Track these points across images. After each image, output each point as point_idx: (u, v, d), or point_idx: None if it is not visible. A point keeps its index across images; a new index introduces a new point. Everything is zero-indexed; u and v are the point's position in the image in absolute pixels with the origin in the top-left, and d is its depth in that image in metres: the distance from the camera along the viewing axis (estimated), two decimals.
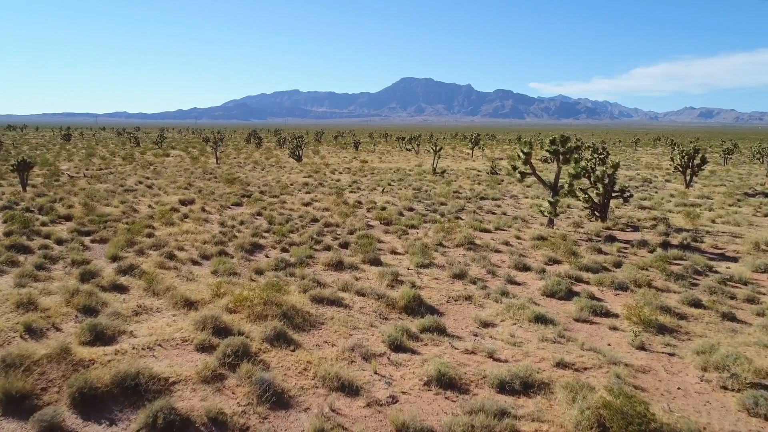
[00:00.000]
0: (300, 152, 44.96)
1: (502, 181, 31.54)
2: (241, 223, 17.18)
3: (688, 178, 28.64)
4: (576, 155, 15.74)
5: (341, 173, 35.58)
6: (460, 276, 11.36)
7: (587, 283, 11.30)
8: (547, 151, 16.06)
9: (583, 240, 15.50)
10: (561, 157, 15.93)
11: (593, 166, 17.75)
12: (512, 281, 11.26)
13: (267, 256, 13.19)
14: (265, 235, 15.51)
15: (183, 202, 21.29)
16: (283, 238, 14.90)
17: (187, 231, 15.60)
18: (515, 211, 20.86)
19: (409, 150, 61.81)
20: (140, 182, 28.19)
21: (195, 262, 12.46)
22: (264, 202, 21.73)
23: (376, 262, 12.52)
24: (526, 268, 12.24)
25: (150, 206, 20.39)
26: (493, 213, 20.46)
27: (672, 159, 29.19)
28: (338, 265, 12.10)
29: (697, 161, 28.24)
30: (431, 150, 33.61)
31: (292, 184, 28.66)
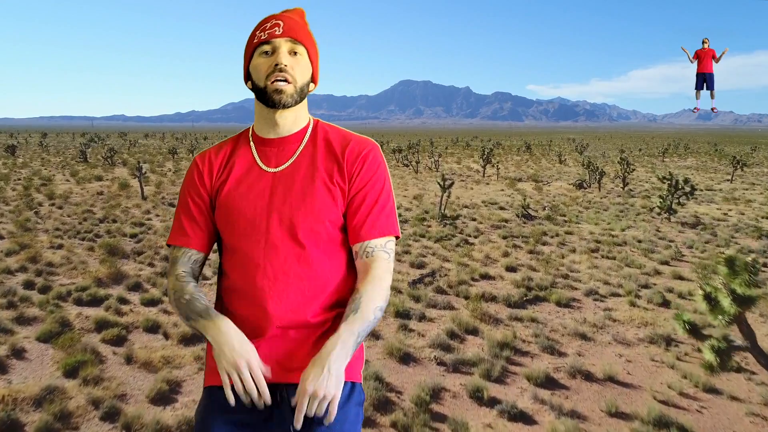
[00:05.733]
0: None
1: (545, 234, 20.87)
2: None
3: None
4: None
5: None
6: None
7: None
8: None
9: None
10: None
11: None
12: None
13: None
14: None
15: None
16: None
17: None
18: (615, 345, 10.11)
19: (407, 165, 51.56)
20: None
21: None
22: (125, 318, 10.81)
23: None
24: None
25: None
26: (580, 356, 9.65)
27: None
28: None
29: None
30: (439, 184, 23.13)
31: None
